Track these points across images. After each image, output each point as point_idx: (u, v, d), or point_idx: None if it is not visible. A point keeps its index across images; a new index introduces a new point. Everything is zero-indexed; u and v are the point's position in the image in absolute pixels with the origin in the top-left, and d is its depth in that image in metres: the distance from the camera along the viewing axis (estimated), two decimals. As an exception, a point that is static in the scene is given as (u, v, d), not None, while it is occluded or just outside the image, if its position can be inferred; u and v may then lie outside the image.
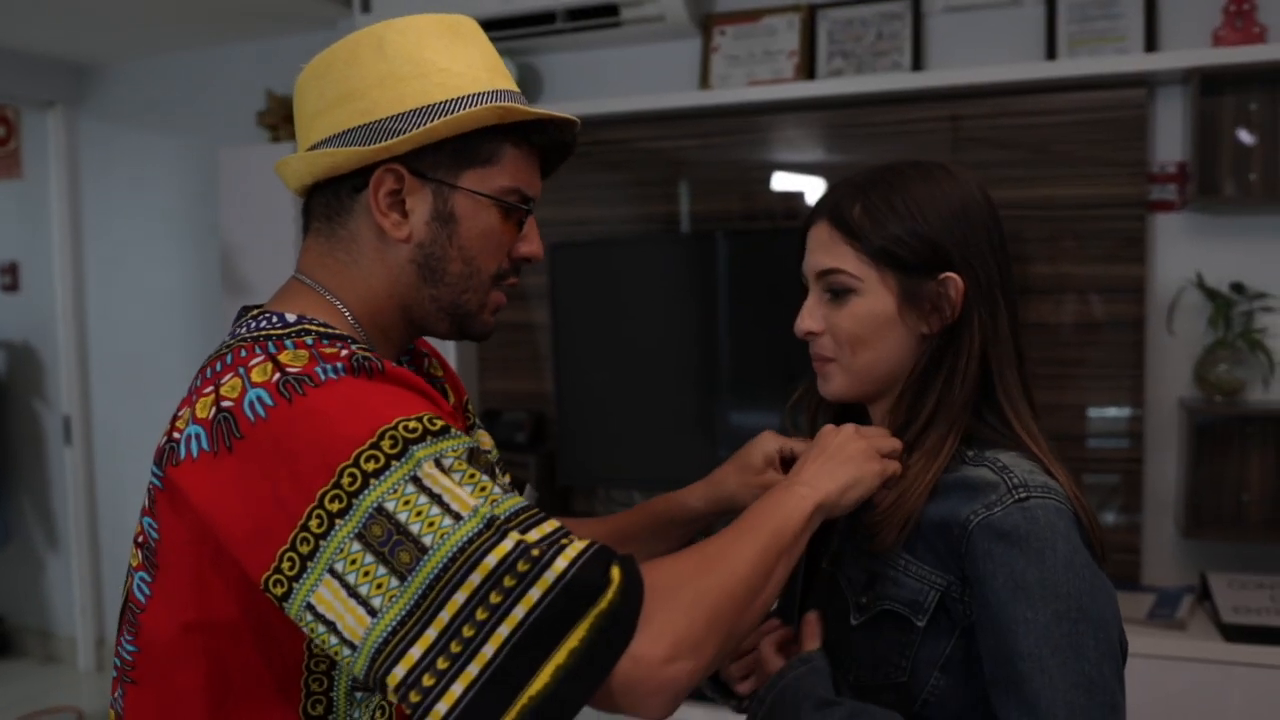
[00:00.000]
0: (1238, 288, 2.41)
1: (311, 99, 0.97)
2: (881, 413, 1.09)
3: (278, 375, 0.83)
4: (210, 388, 0.85)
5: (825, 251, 1.03)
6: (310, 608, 0.78)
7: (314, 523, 0.78)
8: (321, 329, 0.91)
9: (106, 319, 3.95)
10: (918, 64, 2.67)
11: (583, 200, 2.98)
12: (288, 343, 0.87)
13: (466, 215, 0.96)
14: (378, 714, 0.92)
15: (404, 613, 0.75)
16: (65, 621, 4.07)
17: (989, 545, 0.92)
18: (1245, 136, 2.41)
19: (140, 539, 0.91)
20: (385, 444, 0.79)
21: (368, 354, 0.87)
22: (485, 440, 1.21)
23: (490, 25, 2.94)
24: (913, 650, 0.98)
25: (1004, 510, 0.93)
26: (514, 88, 0.98)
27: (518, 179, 0.97)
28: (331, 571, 0.77)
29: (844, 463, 0.98)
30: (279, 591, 0.79)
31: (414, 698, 0.74)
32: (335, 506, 0.78)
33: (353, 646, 0.76)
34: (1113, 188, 2.49)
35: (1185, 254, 2.48)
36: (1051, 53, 2.54)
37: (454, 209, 0.95)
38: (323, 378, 0.83)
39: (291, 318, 0.93)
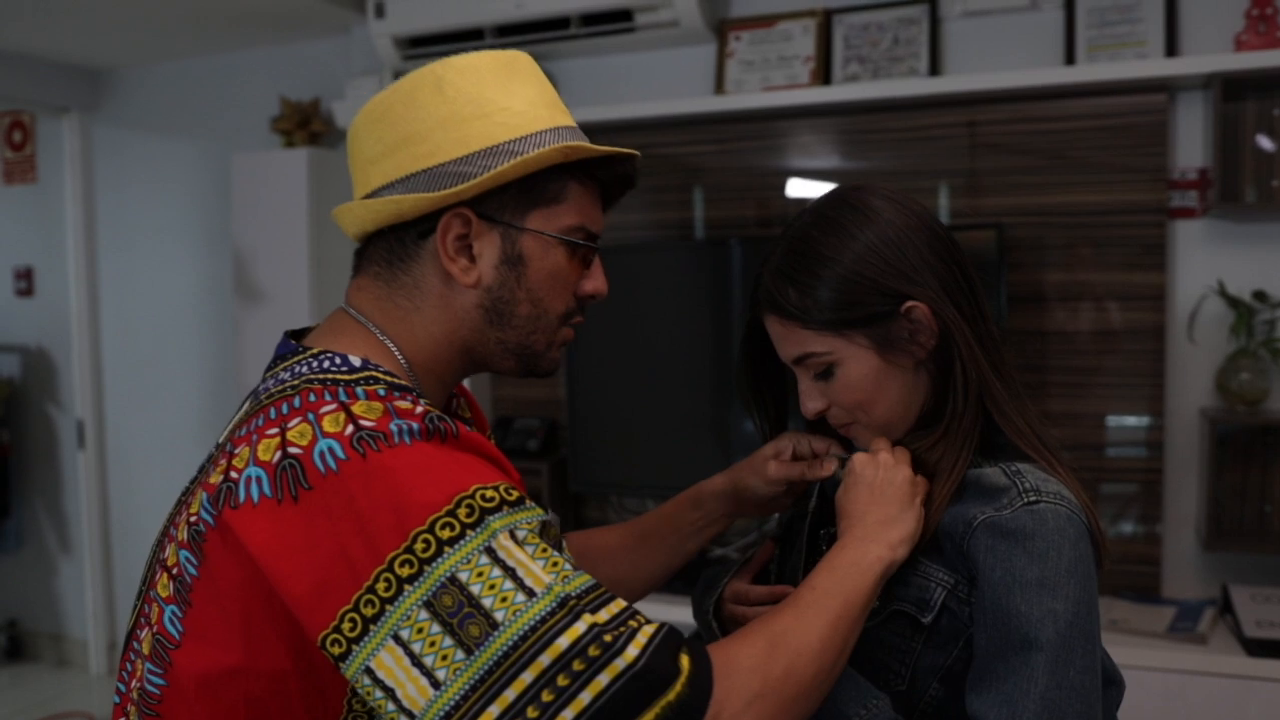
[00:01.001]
0: (1260, 296, 2.38)
1: (369, 143, 0.94)
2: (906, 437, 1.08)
3: (351, 428, 0.80)
4: (275, 430, 0.82)
5: (787, 341, 1.03)
6: (369, 671, 0.76)
7: (381, 585, 0.76)
8: (389, 378, 0.88)
9: (120, 324, 3.96)
10: (935, 69, 2.64)
11: (596, 206, 2.96)
12: (359, 391, 0.85)
13: (534, 256, 0.94)
14: None
15: (468, 687, 0.73)
16: (78, 625, 4.07)
17: (991, 541, 0.92)
18: (1266, 143, 2.37)
19: (174, 570, 0.87)
20: (461, 512, 0.77)
21: (442, 416, 0.84)
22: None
23: (504, 31, 2.94)
24: (913, 658, 0.97)
25: (1013, 512, 0.93)
26: (572, 123, 0.98)
27: (583, 216, 0.96)
28: (396, 638, 0.75)
29: (899, 505, 0.96)
30: (336, 651, 0.77)
31: None
32: (406, 571, 0.76)
33: (411, 716, 0.74)
34: (1133, 194, 2.46)
35: (1206, 261, 2.45)
36: (1070, 58, 2.52)
37: (522, 251, 0.93)
38: (398, 438, 0.80)
39: (357, 361, 0.90)
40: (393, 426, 0.81)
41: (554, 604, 0.75)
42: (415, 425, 0.81)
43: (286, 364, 0.92)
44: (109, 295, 3.97)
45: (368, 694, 0.77)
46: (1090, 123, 2.49)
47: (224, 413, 3.62)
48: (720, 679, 0.77)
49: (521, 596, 0.75)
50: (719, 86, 2.84)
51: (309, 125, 3.31)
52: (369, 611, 0.75)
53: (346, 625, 0.76)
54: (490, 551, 0.76)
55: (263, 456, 0.81)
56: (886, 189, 1.04)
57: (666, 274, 2.82)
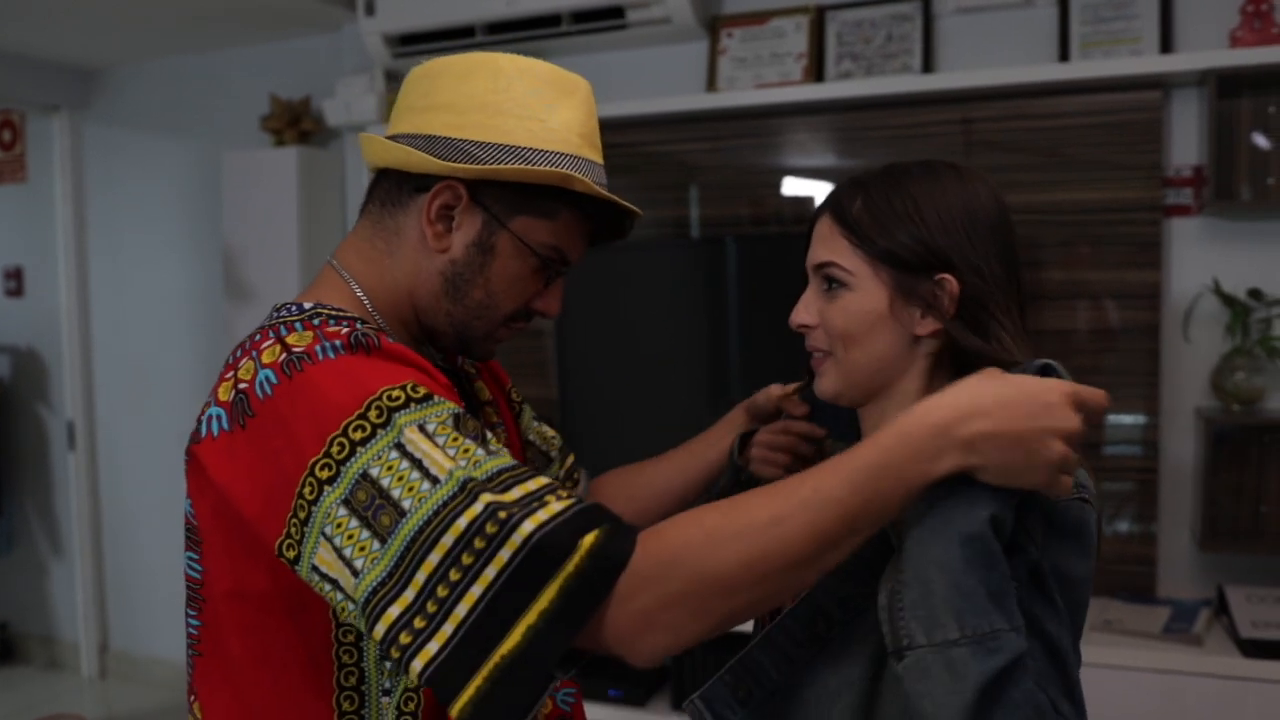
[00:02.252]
0: (1255, 294, 2.36)
1: (416, 94, 1.01)
2: (874, 422, 1.05)
3: (284, 355, 0.88)
4: (230, 372, 0.92)
5: (823, 245, 1.02)
6: (315, 569, 0.83)
7: (307, 490, 0.83)
8: (333, 312, 0.96)
9: (110, 324, 3.93)
10: (928, 66, 2.62)
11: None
12: (297, 325, 0.92)
13: (504, 254, 1.00)
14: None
15: (384, 573, 0.79)
16: (69, 628, 4.05)
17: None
18: (1261, 140, 2.36)
19: (186, 522, 0.97)
20: (372, 414, 0.83)
21: (369, 331, 0.91)
22: (548, 431, 1.31)
23: (495, 29, 2.92)
24: None
25: (1065, 504, 0.92)
26: (599, 160, 1.04)
27: (563, 241, 1.02)
28: (324, 535, 0.82)
29: (1035, 417, 0.80)
30: (291, 555, 0.84)
31: (394, 654, 0.78)
32: (325, 474, 0.82)
33: (353, 602, 0.81)
34: (1127, 192, 2.44)
35: (1201, 259, 2.44)
36: (1064, 54, 2.50)
37: (495, 244, 0.99)
38: (320, 355, 0.88)
39: (308, 305, 0.97)
40: (317, 347, 0.88)
41: (455, 488, 0.79)
42: (339, 342, 0.89)
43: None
44: (99, 295, 3.95)
45: (320, 589, 0.83)
46: (1085, 120, 2.47)
47: (215, 413, 3.59)
48: (645, 559, 0.78)
49: (426, 485, 0.80)
50: (711, 84, 2.83)
51: (299, 124, 3.28)
52: (302, 515, 0.83)
53: (293, 529, 0.83)
54: (399, 446, 0.82)
55: (222, 397, 0.90)
56: (995, 186, 1.04)
57: (659, 272, 2.80)
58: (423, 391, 0.86)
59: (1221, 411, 2.36)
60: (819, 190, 2.79)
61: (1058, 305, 2.50)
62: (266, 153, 3.28)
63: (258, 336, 0.93)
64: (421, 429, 0.83)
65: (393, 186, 1.02)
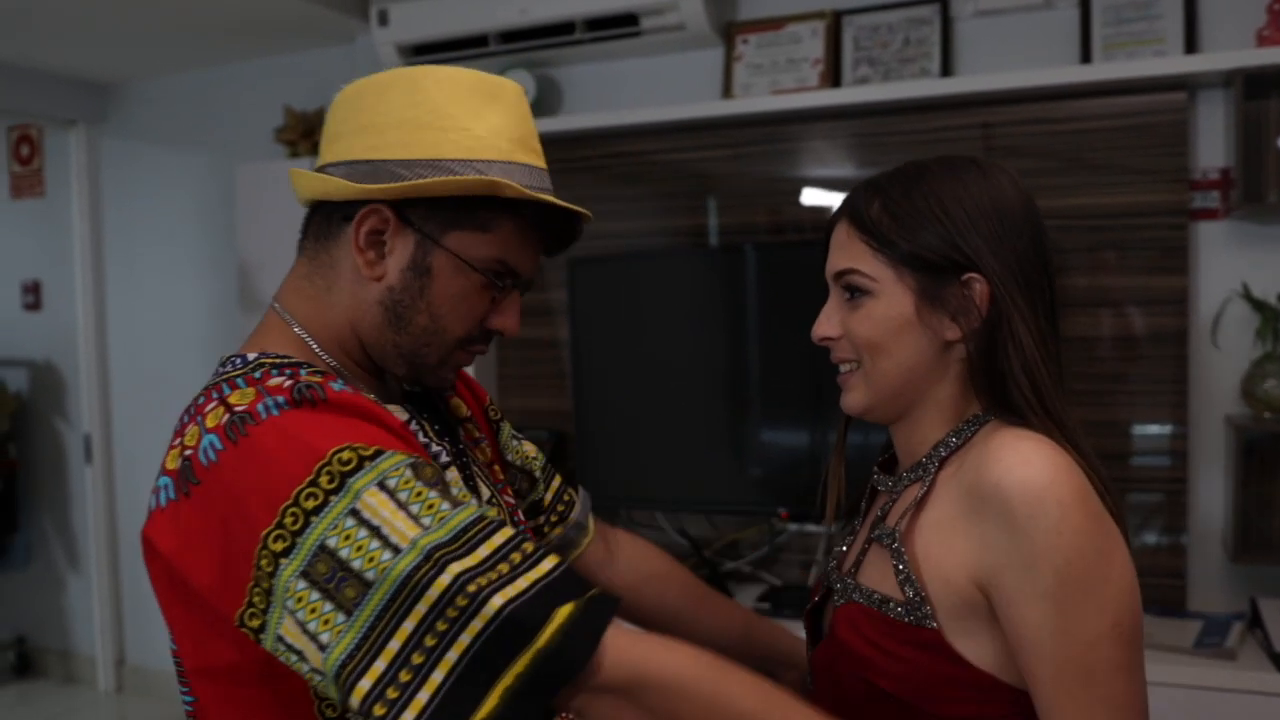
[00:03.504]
0: (1286, 299, 2.31)
1: (336, 120, 0.98)
2: (907, 436, 1.02)
3: (226, 417, 0.85)
4: (178, 439, 0.88)
5: (843, 251, 0.98)
6: (281, 639, 0.80)
7: (264, 562, 0.79)
8: (276, 360, 0.92)
9: (127, 337, 3.94)
10: (947, 70, 2.58)
11: (603, 213, 2.91)
12: (239, 381, 0.89)
13: (442, 273, 0.95)
14: None
15: (352, 646, 0.76)
16: (86, 642, 4.04)
17: None
18: (1289, 143, 2.30)
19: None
20: (323, 479, 0.79)
21: (312, 381, 0.87)
22: (529, 450, 1.24)
23: (508, 37, 2.90)
24: None
25: None
26: (539, 163, 0.98)
27: (508, 253, 0.96)
28: (286, 608, 0.79)
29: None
30: (254, 625, 0.81)
31: None
32: (279, 546, 0.79)
33: (321, 674, 0.78)
34: (1153, 196, 2.39)
35: (1230, 264, 2.38)
36: (1086, 56, 2.45)
37: (431, 264, 0.94)
38: (264, 414, 0.83)
39: (251, 356, 0.93)
40: (260, 405, 0.84)
41: (419, 557, 0.76)
42: (282, 397, 0.84)
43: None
44: (116, 308, 3.95)
45: (285, 659, 0.80)
46: (1108, 123, 2.42)
47: (230, 426, 3.58)
48: (614, 664, 0.78)
49: (388, 554, 0.77)
50: (727, 90, 2.80)
51: (313, 135, 3.27)
52: (264, 585, 0.79)
53: (255, 599, 0.80)
54: (355, 513, 0.78)
55: (169, 465, 0.87)
56: (1020, 180, 1.00)
57: (675, 281, 2.76)
58: (372, 449, 0.81)
59: (1252, 419, 2.30)
60: (837, 197, 2.75)
61: (1083, 313, 2.45)
62: (281, 164, 3.27)
63: (201, 399, 0.89)
64: (381, 486, 0.79)
65: (324, 219, 0.97)
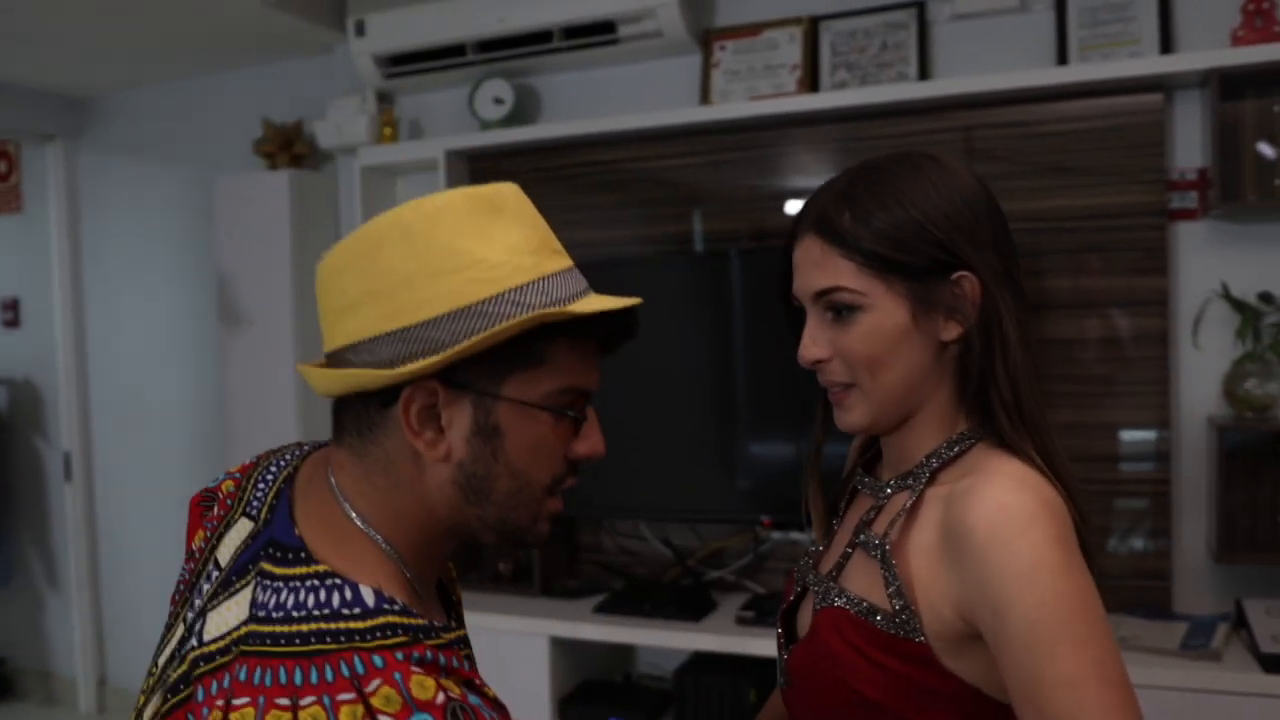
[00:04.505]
0: (1266, 298, 2.30)
1: (334, 294, 0.85)
2: (899, 443, 1.00)
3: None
4: (287, 702, 0.73)
5: (818, 269, 0.94)
6: None
7: None
8: (405, 620, 0.79)
9: (106, 353, 3.90)
10: (924, 74, 2.58)
11: (582, 222, 2.91)
12: (377, 660, 0.75)
13: (513, 427, 0.83)
14: None
15: None
16: (66, 662, 3.99)
17: None
18: (1267, 151, 2.30)
19: None
20: None
21: (464, 707, 0.75)
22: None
23: (486, 46, 2.89)
24: None
25: None
26: (565, 263, 0.86)
27: (571, 377, 0.85)
28: None
29: None
30: None
31: None
32: None
33: None
34: (1131, 196, 2.39)
35: (1209, 264, 2.38)
36: (1063, 59, 2.46)
37: (498, 421, 0.83)
38: None
39: (369, 598, 0.79)
40: None
41: None
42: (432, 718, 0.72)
43: (288, 570, 0.81)
44: (95, 324, 3.92)
45: None
46: (1086, 125, 2.42)
47: (211, 441, 3.55)
48: None
49: None
50: (705, 97, 2.79)
51: (291, 147, 3.26)
52: None
53: None
54: None
55: None
56: (970, 167, 0.98)
57: (654, 288, 2.75)
58: None
59: (1235, 419, 2.29)
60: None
61: (1064, 314, 2.44)
62: (259, 176, 3.25)
63: (329, 674, 0.74)
64: None
65: (360, 410, 0.85)
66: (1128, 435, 2.42)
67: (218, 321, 3.33)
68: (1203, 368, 2.39)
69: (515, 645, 2.62)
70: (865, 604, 0.94)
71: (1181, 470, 2.41)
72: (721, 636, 2.44)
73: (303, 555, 0.82)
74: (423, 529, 0.86)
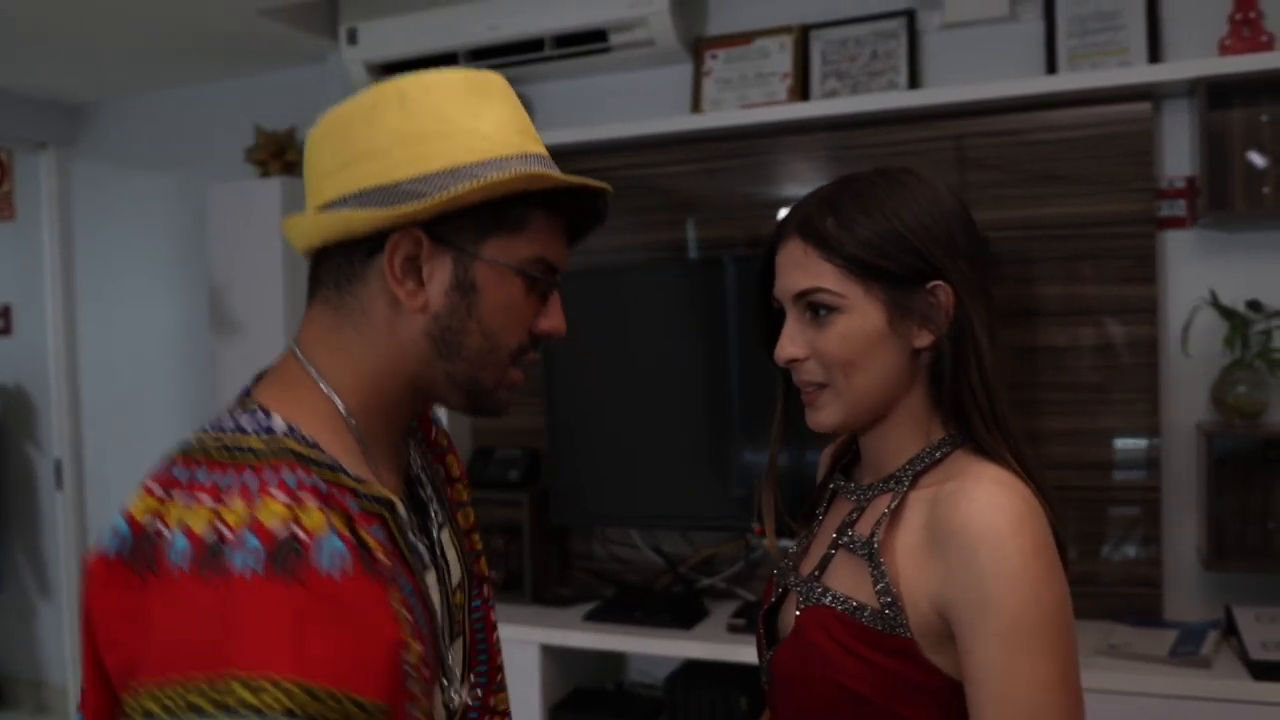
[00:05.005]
0: (1254, 305, 2.31)
1: (325, 156, 0.89)
2: (877, 446, 1.03)
3: (208, 536, 0.75)
4: (160, 489, 0.80)
5: (800, 270, 0.98)
6: None
7: (131, 706, 0.73)
8: (304, 450, 0.83)
9: (98, 361, 3.90)
10: (914, 83, 2.59)
11: (575, 230, 2.91)
12: (249, 479, 0.79)
13: (489, 286, 0.88)
14: None
15: None
16: (57, 671, 3.98)
17: None
18: (1257, 159, 2.31)
19: None
20: (203, 701, 0.70)
21: (299, 545, 0.76)
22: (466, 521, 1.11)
23: (478, 54, 2.90)
24: None
25: None
26: (543, 150, 0.92)
27: (545, 248, 0.90)
28: None
29: None
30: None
31: None
32: (152, 706, 0.71)
33: None
34: (1120, 205, 2.40)
35: (1198, 272, 2.39)
36: (1052, 68, 2.47)
37: (475, 278, 0.88)
38: (234, 570, 0.74)
39: (280, 425, 0.84)
40: (237, 557, 0.74)
41: None
42: (263, 553, 0.74)
43: (231, 406, 0.89)
44: (87, 332, 3.92)
45: None
46: (1075, 133, 2.44)
47: (203, 449, 3.54)
48: None
49: None
50: (696, 105, 2.80)
51: (284, 155, 3.26)
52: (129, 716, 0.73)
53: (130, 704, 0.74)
54: None
55: (137, 514, 0.80)
56: (947, 182, 1.03)
57: (645, 296, 2.75)
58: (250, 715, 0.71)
59: (1224, 426, 2.30)
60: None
61: (1051, 322, 2.45)
62: (251, 184, 3.25)
63: (201, 474, 0.80)
64: None
65: (341, 261, 0.89)
66: (1117, 441, 2.43)
67: (210, 329, 3.33)
68: (1192, 375, 2.39)
69: (506, 653, 2.59)
70: (852, 602, 0.97)
71: (1171, 477, 2.41)
72: (713, 644, 2.44)
73: (248, 399, 0.90)
74: (382, 383, 0.90)
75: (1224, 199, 2.32)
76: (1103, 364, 2.43)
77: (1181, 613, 2.40)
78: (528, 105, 3.03)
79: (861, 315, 0.96)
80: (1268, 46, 2.27)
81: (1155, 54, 2.39)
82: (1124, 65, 2.39)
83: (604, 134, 2.76)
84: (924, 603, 0.93)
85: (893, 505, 0.98)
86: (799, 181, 2.72)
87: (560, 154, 2.97)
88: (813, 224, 0.98)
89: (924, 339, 0.97)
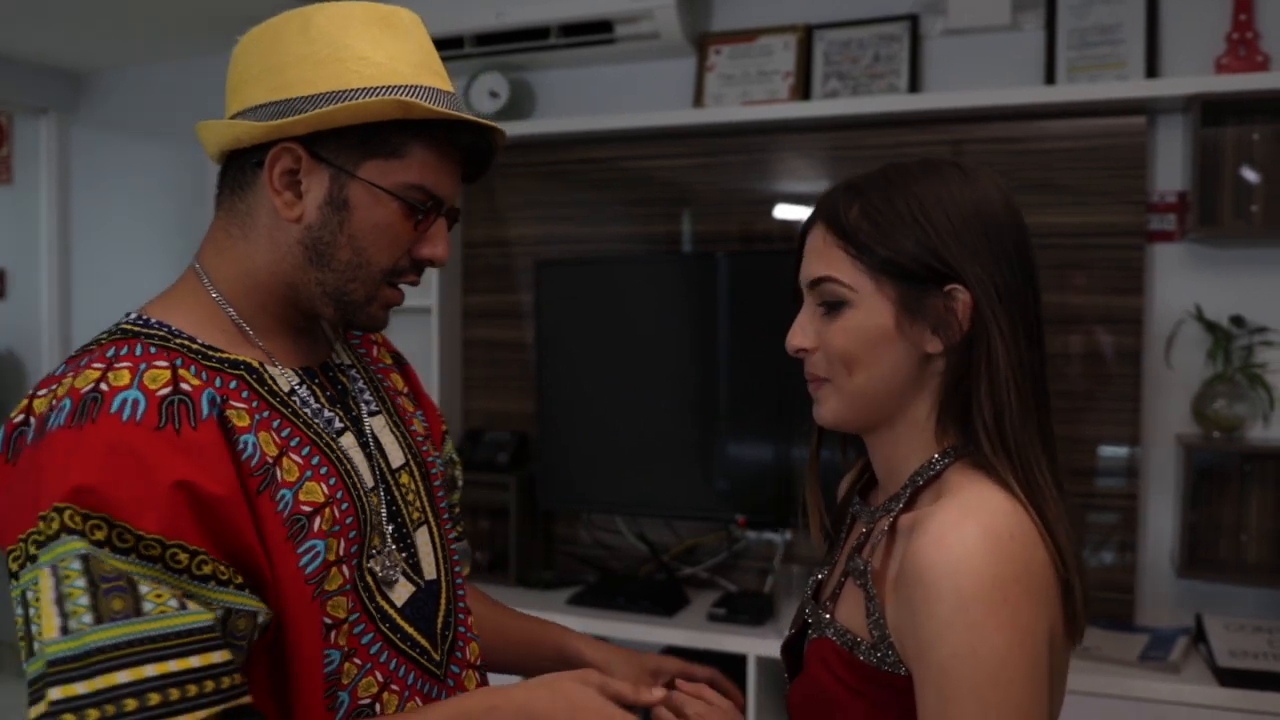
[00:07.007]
0: (1237, 321, 2.35)
1: (238, 70, 0.98)
2: (884, 451, 0.98)
3: (46, 411, 0.86)
4: (40, 391, 0.90)
5: (819, 258, 0.93)
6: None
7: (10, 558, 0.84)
8: (144, 329, 0.94)
9: (92, 327, 3.83)
10: (915, 87, 2.62)
11: (569, 218, 2.93)
12: (84, 361, 0.89)
13: (361, 205, 0.94)
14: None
15: (32, 675, 0.81)
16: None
17: None
18: (1250, 175, 2.35)
19: None
20: (33, 540, 0.82)
21: (98, 393, 0.86)
22: (451, 452, 1.22)
23: (483, 40, 2.91)
24: None
25: None
26: (444, 86, 0.97)
27: (425, 177, 0.96)
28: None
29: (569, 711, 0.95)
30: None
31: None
32: (14, 567, 0.83)
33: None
34: (1111, 216, 2.44)
35: (1184, 285, 2.43)
36: (1051, 78, 2.50)
37: (348, 196, 0.94)
38: (49, 425, 0.85)
39: (132, 317, 0.97)
40: (51, 418, 0.85)
41: (41, 668, 0.79)
42: (69, 403, 0.85)
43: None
44: (82, 298, 3.92)
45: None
46: (1070, 144, 2.47)
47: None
48: None
49: (36, 645, 0.80)
50: (698, 100, 2.82)
51: (286, 131, 3.27)
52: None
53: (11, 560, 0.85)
54: (36, 584, 0.81)
55: (38, 409, 0.88)
56: (1004, 185, 0.95)
57: (639, 287, 2.78)
58: (55, 531, 0.81)
59: (1203, 439, 2.34)
60: (808, 209, 2.77)
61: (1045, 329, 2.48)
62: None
63: (60, 370, 0.91)
64: (54, 571, 0.80)
65: (237, 170, 0.98)
66: (1098, 450, 2.47)
67: (205, 301, 3.34)
68: (1174, 387, 2.43)
69: (489, 634, 2.64)
70: (849, 635, 0.92)
71: (1150, 486, 2.46)
72: (693, 632, 2.48)
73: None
74: (260, 280, 0.98)
75: (1214, 215, 2.36)
76: (1088, 372, 2.47)
77: (1154, 619, 2.45)
78: (531, 94, 3.05)
79: (868, 311, 0.90)
80: (1263, 66, 2.30)
81: (1153, 69, 2.43)
82: (1121, 79, 2.43)
83: (605, 124, 2.78)
84: (905, 638, 0.87)
85: (885, 529, 0.93)
86: (797, 179, 2.75)
87: (561, 142, 3.01)
88: (836, 210, 0.93)
89: (934, 344, 0.90)
